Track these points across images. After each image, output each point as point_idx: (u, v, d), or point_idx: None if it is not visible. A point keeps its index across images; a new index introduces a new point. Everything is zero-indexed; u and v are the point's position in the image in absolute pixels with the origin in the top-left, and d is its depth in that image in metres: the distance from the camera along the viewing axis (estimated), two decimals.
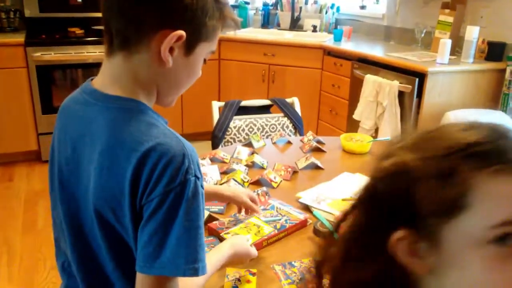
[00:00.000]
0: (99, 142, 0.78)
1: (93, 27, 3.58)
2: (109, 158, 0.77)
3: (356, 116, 2.95)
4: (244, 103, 2.18)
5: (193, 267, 0.74)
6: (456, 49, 2.85)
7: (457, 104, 2.65)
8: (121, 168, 0.75)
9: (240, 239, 1.10)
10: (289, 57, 3.47)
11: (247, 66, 3.60)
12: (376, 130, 2.85)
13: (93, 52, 3.30)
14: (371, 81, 2.82)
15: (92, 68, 3.32)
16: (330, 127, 3.38)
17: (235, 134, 2.11)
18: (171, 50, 0.77)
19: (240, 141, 2.09)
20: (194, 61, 0.82)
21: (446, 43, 2.62)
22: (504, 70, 2.69)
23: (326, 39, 3.53)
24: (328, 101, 3.38)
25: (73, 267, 0.89)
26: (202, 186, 0.77)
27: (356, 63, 3.03)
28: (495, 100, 2.76)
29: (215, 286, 1.01)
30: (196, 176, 0.75)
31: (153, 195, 0.74)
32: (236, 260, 1.03)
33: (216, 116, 2.12)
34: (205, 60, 0.85)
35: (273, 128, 2.16)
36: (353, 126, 3.03)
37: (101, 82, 0.82)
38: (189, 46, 0.79)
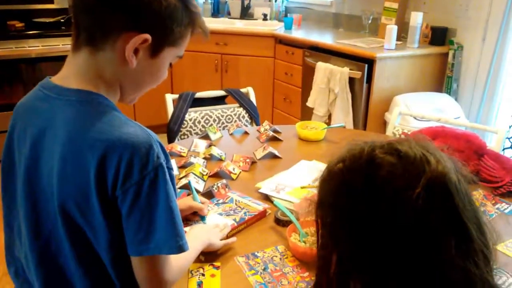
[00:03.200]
0: (61, 135, 0.77)
1: (34, 20, 3.40)
2: (71, 151, 0.76)
3: (309, 103, 3.00)
4: (199, 94, 2.16)
5: (182, 243, 0.79)
6: (402, 35, 2.95)
7: (405, 88, 2.75)
8: (85, 160, 0.75)
9: (214, 229, 1.12)
10: (241, 46, 3.46)
11: (199, 56, 3.56)
12: (329, 117, 2.91)
13: (35, 46, 3.14)
14: (322, 68, 2.87)
15: (36, 63, 3.16)
16: (285, 115, 3.41)
17: (191, 127, 2.09)
18: (136, 51, 0.78)
19: (196, 133, 2.07)
20: (159, 64, 0.83)
21: (392, 29, 2.70)
22: (447, 54, 2.81)
23: (277, 28, 3.55)
24: (282, 89, 3.41)
25: (31, 269, 0.87)
26: (170, 168, 0.80)
27: (307, 50, 3.07)
28: (440, 83, 2.89)
29: (179, 282, 1.00)
30: (165, 160, 0.78)
31: (127, 185, 0.74)
32: (209, 248, 1.06)
33: (170, 109, 2.09)
34: (171, 64, 0.86)
35: (229, 119, 2.15)
36: (307, 113, 3.08)
37: (63, 76, 0.82)
38: (155, 50, 0.80)
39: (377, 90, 2.70)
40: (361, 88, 2.73)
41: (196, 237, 1.04)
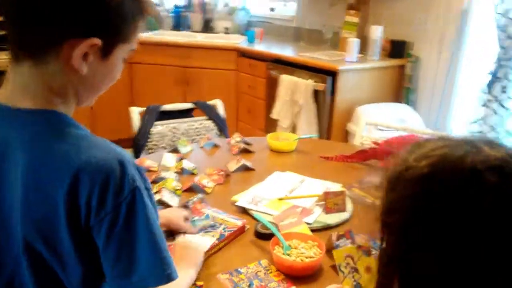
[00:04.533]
0: (21, 162, 0.69)
1: None
2: (34, 180, 0.68)
3: (274, 115, 3.01)
4: (165, 107, 2.11)
5: (170, 271, 0.72)
6: (362, 48, 3.03)
7: (367, 99, 2.82)
8: (51, 189, 0.67)
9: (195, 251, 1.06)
10: (203, 60, 3.43)
11: (160, 69, 3.50)
12: (294, 128, 2.93)
13: None
14: (286, 80, 2.89)
15: None
16: (249, 128, 3.40)
17: (157, 141, 2.03)
18: (85, 56, 0.70)
19: (163, 147, 2.01)
20: (113, 64, 0.76)
21: (354, 42, 2.77)
22: (405, 66, 2.92)
23: (239, 41, 3.55)
24: (246, 102, 3.40)
25: None
26: (148, 188, 0.74)
27: (270, 63, 3.09)
28: (399, 94, 2.98)
29: None
30: (143, 182, 0.72)
31: (102, 214, 0.68)
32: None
33: (136, 122, 2.02)
34: (125, 59, 0.79)
35: (197, 132, 2.11)
36: (271, 125, 3.09)
37: (8, 94, 0.72)
38: (106, 51, 0.73)
39: (340, 101, 2.75)
40: (325, 99, 2.77)
41: (186, 259, 0.98)
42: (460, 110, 2.73)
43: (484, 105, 2.48)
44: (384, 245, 0.55)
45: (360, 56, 2.91)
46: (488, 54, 2.47)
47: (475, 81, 2.56)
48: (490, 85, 2.44)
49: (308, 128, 2.80)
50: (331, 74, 2.72)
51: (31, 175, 0.68)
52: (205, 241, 1.11)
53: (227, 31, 3.91)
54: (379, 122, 2.10)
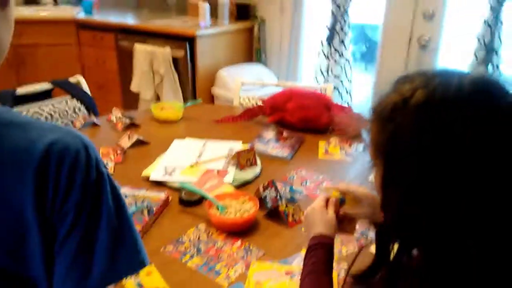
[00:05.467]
0: None
1: None
2: None
3: (133, 88, 2.87)
4: (20, 91, 1.83)
5: (138, 260, 0.65)
6: (212, 13, 3.06)
7: (225, 62, 2.89)
8: (12, 192, 0.57)
9: None
10: (37, 36, 3.03)
11: None
12: (158, 99, 2.85)
13: None
14: (141, 50, 2.77)
15: None
16: (104, 105, 3.17)
17: None
18: None
19: None
20: (12, 15, 0.64)
21: (205, 7, 2.78)
22: (252, 28, 3.06)
23: (75, 12, 3.22)
24: (95, 78, 3.14)
25: None
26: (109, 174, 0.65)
27: (120, 34, 2.91)
28: (251, 55, 3.13)
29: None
30: (105, 166, 0.64)
31: (66, 208, 0.58)
32: None
33: None
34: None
35: (63, 114, 1.90)
36: (131, 99, 2.95)
37: None
38: None
39: (201, 67, 2.77)
40: (186, 66, 2.75)
41: None
42: (307, 63, 3.01)
43: (326, 57, 2.79)
44: (382, 174, 0.61)
45: (212, 19, 2.94)
46: (324, 10, 2.75)
47: (317, 36, 2.84)
48: (330, 38, 2.75)
49: (173, 97, 2.75)
50: (186, 40, 2.70)
51: None
52: None
53: (55, 2, 3.50)
54: (253, 81, 2.20)
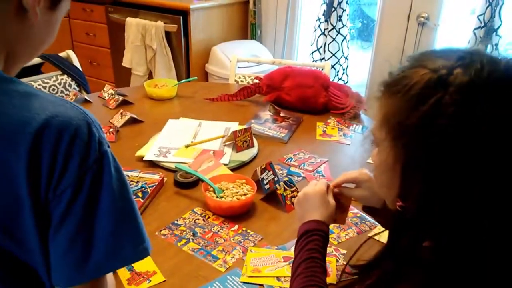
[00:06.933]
0: None
1: None
2: None
3: (125, 63, 2.80)
4: None
5: (142, 248, 0.62)
6: None
7: (219, 38, 2.82)
8: (6, 164, 0.54)
9: None
10: None
11: None
12: (150, 75, 2.79)
13: None
14: (134, 24, 2.69)
15: None
16: (95, 81, 3.11)
17: None
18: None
19: None
20: (58, 18, 0.64)
21: None
22: (248, 2, 2.98)
23: None
24: (85, 52, 3.07)
25: None
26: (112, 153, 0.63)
27: (110, 6, 2.81)
28: (245, 31, 3.06)
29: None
30: (108, 145, 0.61)
31: (62, 186, 0.56)
32: None
33: None
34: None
35: (53, 89, 1.85)
36: (123, 74, 2.88)
37: None
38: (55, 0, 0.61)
39: (195, 42, 2.70)
40: (179, 41, 2.68)
41: None
42: (303, 40, 2.95)
43: (323, 34, 2.73)
44: (399, 157, 0.57)
45: None
46: None
47: (314, 12, 2.77)
48: (327, 14, 2.68)
49: (166, 74, 2.69)
50: (179, 14, 2.62)
51: None
52: None
53: None
54: (250, 58, 2.15)
